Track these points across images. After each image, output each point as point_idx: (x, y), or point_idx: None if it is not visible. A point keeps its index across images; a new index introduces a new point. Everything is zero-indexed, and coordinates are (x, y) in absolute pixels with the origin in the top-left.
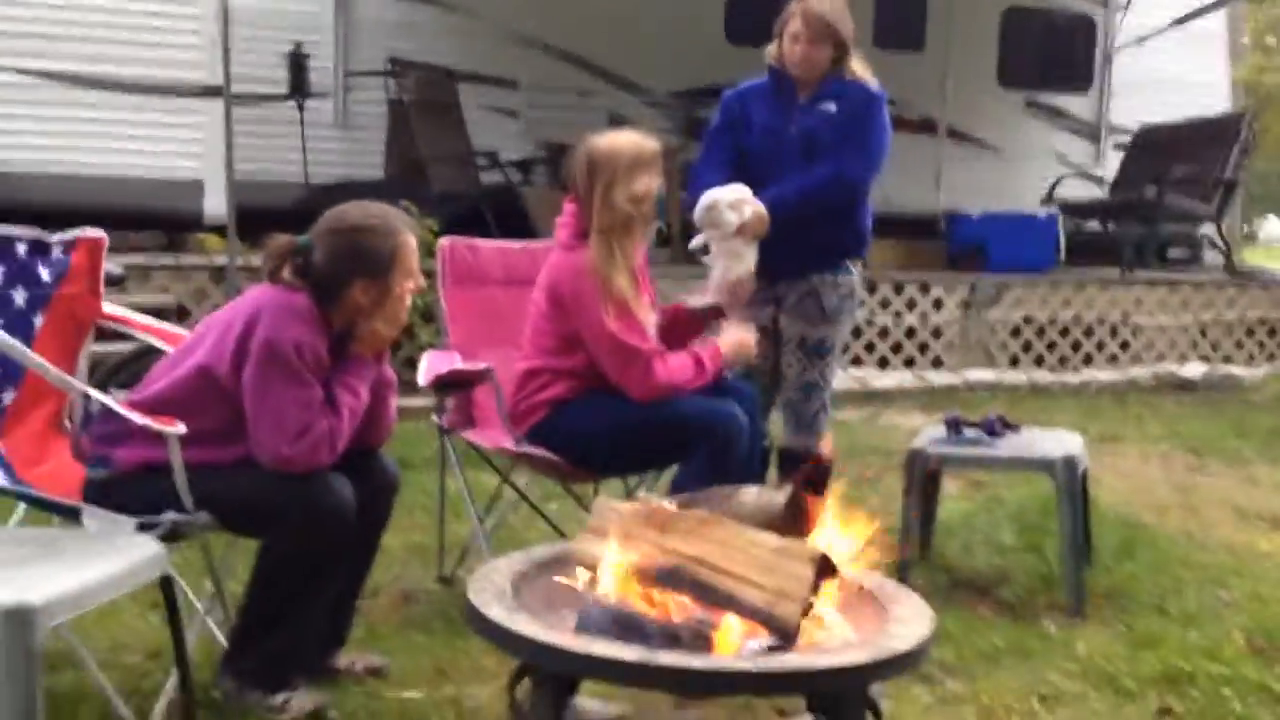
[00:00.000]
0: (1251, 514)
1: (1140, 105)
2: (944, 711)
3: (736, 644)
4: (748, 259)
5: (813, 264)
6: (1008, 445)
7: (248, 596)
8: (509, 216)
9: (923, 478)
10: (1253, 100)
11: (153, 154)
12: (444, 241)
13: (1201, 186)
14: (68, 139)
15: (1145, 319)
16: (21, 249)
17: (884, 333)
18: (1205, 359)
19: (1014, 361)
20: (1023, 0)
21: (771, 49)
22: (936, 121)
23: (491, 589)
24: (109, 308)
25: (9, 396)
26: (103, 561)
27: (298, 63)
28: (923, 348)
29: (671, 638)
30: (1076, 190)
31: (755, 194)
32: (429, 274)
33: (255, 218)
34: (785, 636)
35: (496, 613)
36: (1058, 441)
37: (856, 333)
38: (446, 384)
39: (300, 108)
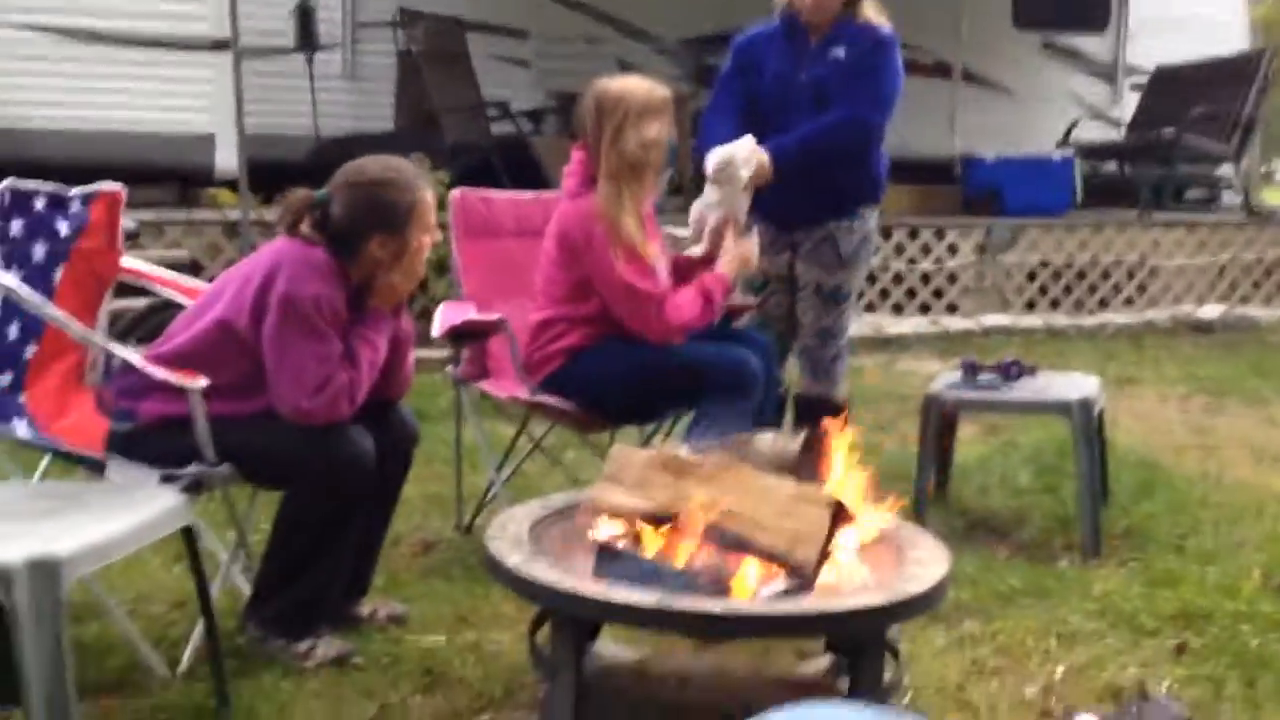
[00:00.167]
0: (1269, 454)
1: (1158, 45)
2: (961, 652)
3: (754, 588)
4: (743, 207)
5: (829, 210)
6: (1024, 388)
7: (271, 546)
8: (520, 167)
9: (939, 422)
10: (1271, 39)
11: (163, 108)
12: (456, 193)
13: (1219, 127)
14: (78, 94)
15: (1162, 261)
16: (40, 203)
17: (898, 278)
18: (1223, 300)
19: (1030, 306)
20: None
21: None
22: (951, 64)
23: (510, 537)
24: (128, 262)
25: (31, 351)
26: (126, 513)
27: (305, 15)
28: (938, 293)
29: (689, 582)
30: (1093, 132)
31: (763, 142)
32: (441, 226)
33: (266, 171)
34: (803, 580)
35: (515, 560)
36: (1074, 384)
37: (871, 279)
38: (461, 335)
39: (309, 60)
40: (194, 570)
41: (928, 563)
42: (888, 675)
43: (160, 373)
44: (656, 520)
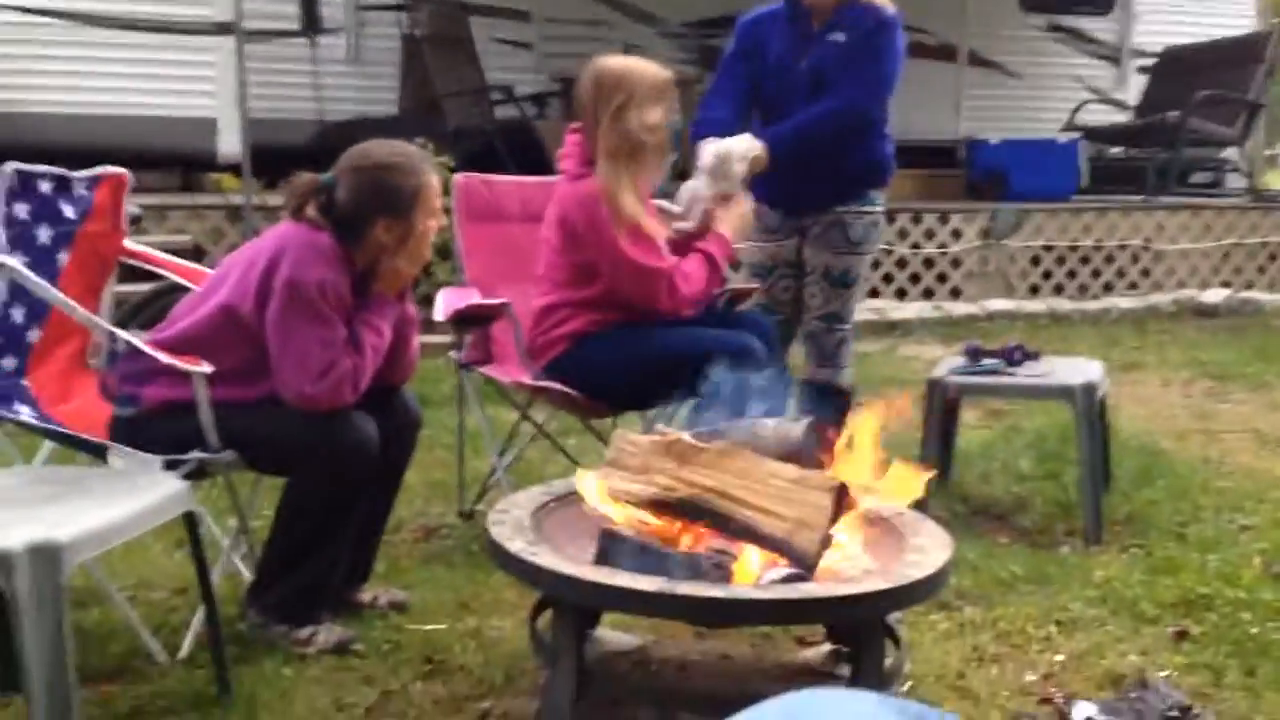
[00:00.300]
0: (1272, 440)
1: (1164, 27)
2: (962, 639)
3: (756, 574)
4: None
5: (838, 195)
6: (1027, 373)
7: (273, 532)
8: (524, 151)
9: (942, 407)
10: (1278, 20)
11: (166, 92)
12: (459, 177)
13: (1225, 109)
14: (81, 78)
15: (1167, 245)
16: (45, 186)
17: (902, 263)
18: (1227, 284)
19: (1034, 290)
20: None
21: None
22: (956, 47)
23: (512, 523)
24: (132, 245)
25: (35, 334)
26: (128, 499)
27: None
28: (941, 278)
29: (691, 568)
30: (1099, 115)
31: (765, 128)
32: (445, 210)
33: (269, 156)
34: (804, 566)
35: (517, 546)
36: (1077, 369)
37: (875, 263)
38: (464, 319)
39: (312, 44)
40: (195, 556)
41: (929, 549)
42: (888, 662)
43: (164, 357)
44: (659, 506)
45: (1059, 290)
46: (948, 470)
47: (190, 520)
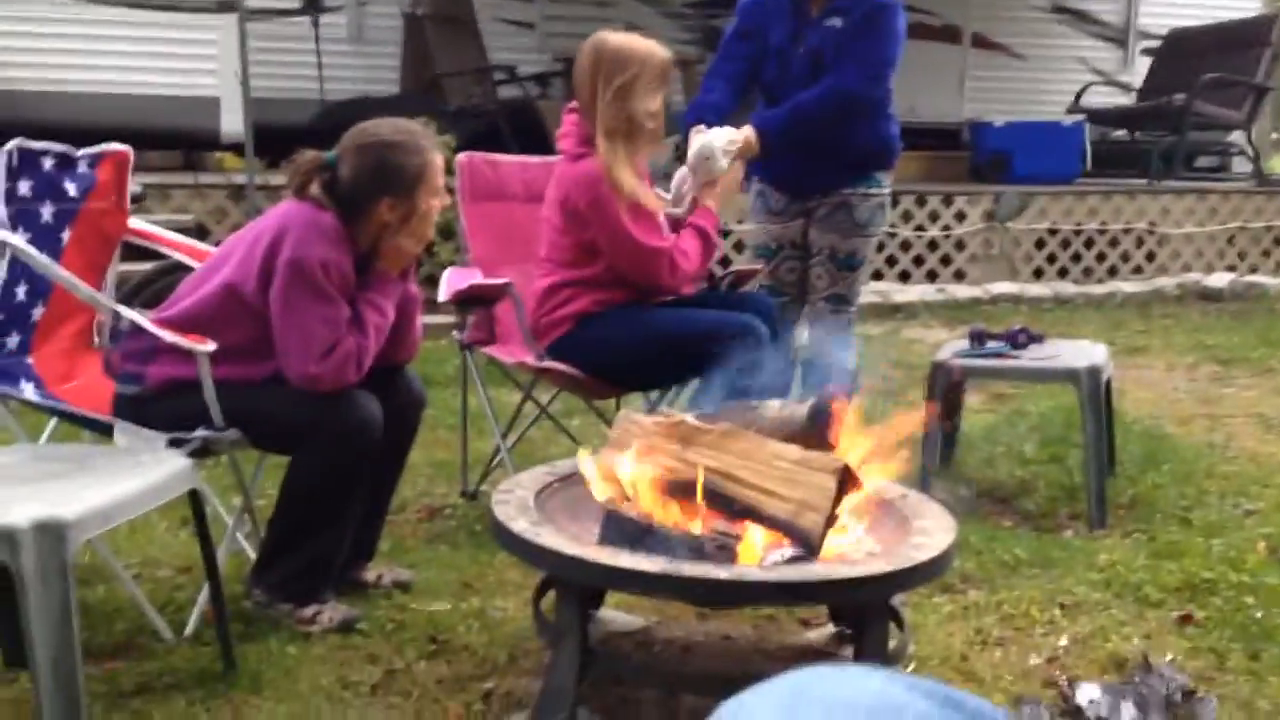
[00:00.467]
0: (1277, 424)
1: (1169, 9)
2: (966, 621)
3: (759, 555)
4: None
5: (843, 177)
6: (1031, 356)
7: (277, 511)
8: (527, 131)
9: (946, 390)
10: None
11: (168, 71)
12: (462, 157)
13: (1232, 93)
14: (83, 57)
15: (1172, 228)
16: (48, 163)
17: (906, 246)
18: (1232, 269)
19: (1038, 274)
20: None
21: None
22: (960, 28)
23: (515, 503)
24: (135, 223)
25: (38, 312)
26: (133, 477)
27: None
28: (945, 260)
29: (695, 549)
30: (1103, 97)
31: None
32: (448, 191)
33: (272, 135)
34: (808, 548)
35: (521, 526)
36: (1082, 352)
37: (879, 246)
38: (467, 300)
39: (315, 23)
40: (200, 534)
41: (933, 531)
42: (892, 644)
43: (168, 335)
44: (663, 487)
45: (1063, 274)
46: (952, 453)
47: (195, 498)
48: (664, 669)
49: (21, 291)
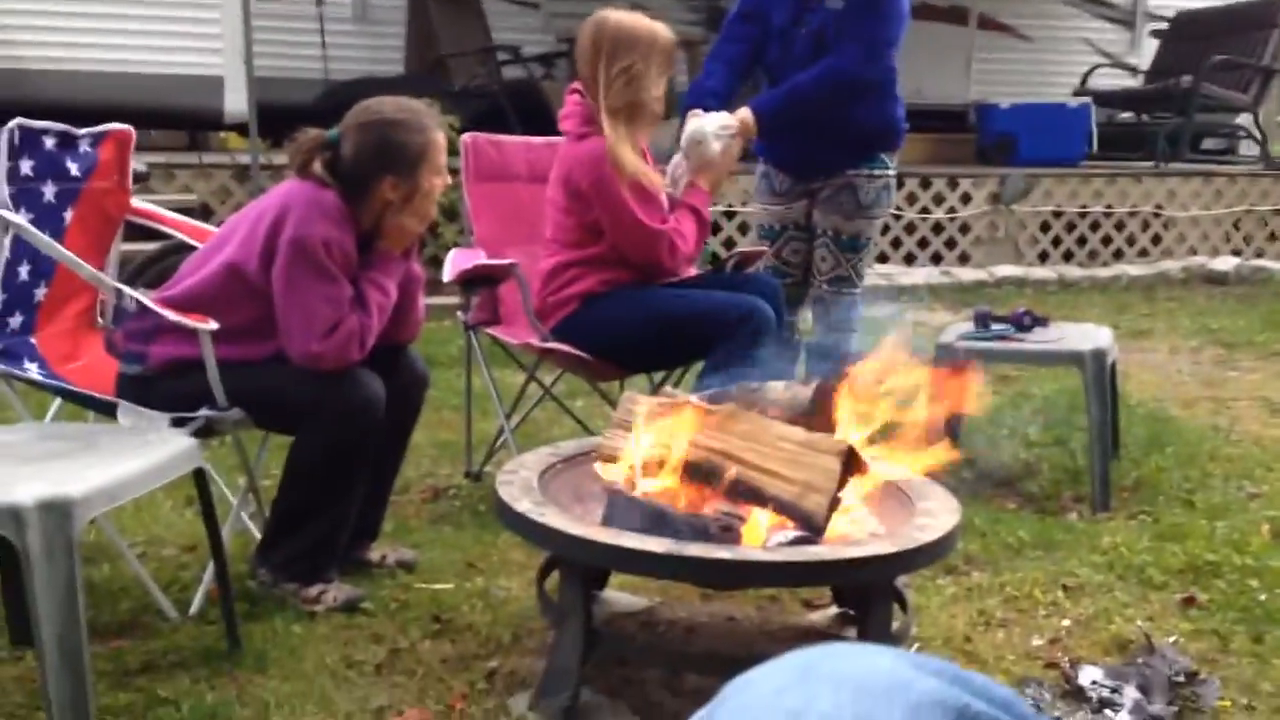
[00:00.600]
0: None
1: None
2: (969, 603)
3: (763, 536)
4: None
5: (848, 158)
6: (1036, 339)
7: (280, 491)
8: (531, 112)
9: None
10: None
11: (172, 50)
12: (467, 137)
13: (1239, 75)
14: (86, 35)
15: (1177, 211)
16: (50, 142)
17: (911, 228)
18: (1237, 252)
19: (1043, 257)
20: None
21: None
22: (967, 9)
23: (520, 483)
24: (138, 203)
25: (41, 292)
26: (138, 456)
27: None
28: (950, 243)
29: (699, 530)
30: (1110, 79)
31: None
32: (452, 171)
33: (276, 115)
34: (812, 529)
35: (525, 506)
36: (1087, 335)
37: (884, 229)
38: (472, 280)
39: (319, 2)
40: (205, 514)
41: (937, 513)
42: (895, 625)
43: (171, 315)
44: (667, 468)
45: (1068, 257)
46: (956, 435)
47: (200, 477)
48: (667, 649)
49: (24, 271)
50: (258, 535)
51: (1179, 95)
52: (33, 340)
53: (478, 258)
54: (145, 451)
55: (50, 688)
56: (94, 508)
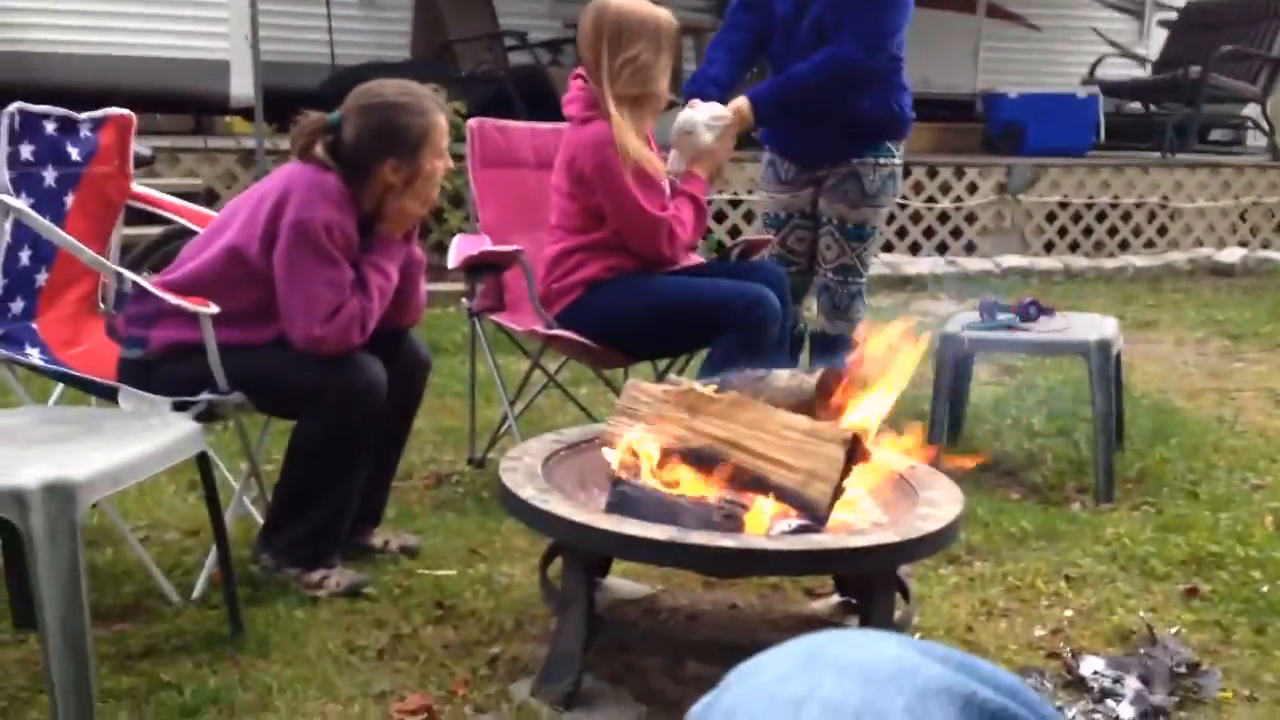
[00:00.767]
0: None
1: None
2: (971, 593)
3: (767, 525)
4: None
5: (853, 146)
6: (1041, 329)
7: (283, 475)
8: (537, 98)
9: (955, 362)
10: None
11: (177, 34)
12: (473, 123)
13: (1247, 65)
14: (91, 18)
15: (1184, 203)
16: (50, 127)
17: (916, 217)
18: (1244, 244)
19: (1049, 247)
20: None
21: None
22: None
23: (523, 470)
24: (139, 188)
25: (42, 277)
26: (140, 440)
27: None
28: (956, 233)
29: (702, 518)
30: (1119, 69)
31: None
32: (458, 157)
33: (282, 99)
34: (816, 518)
35: (529, 493)
36: (1092, 325)
37: (890, 218)
38: (477, 267)
39: None
40: (208, 498)
41: (940, 503)
42: (897, 614)
43: (171, 298)
44: (670, 455)
45: (1074, 247)
46: (960, 425)
47: (203, 462)
48: (670, 637)
49: (25, 256)
50: (260, 520)
51: (1187, 85)
52: (34, 325)
53: (483, 244)
54: (148, 435)
55: (53, 671)
56: (97, 491)
